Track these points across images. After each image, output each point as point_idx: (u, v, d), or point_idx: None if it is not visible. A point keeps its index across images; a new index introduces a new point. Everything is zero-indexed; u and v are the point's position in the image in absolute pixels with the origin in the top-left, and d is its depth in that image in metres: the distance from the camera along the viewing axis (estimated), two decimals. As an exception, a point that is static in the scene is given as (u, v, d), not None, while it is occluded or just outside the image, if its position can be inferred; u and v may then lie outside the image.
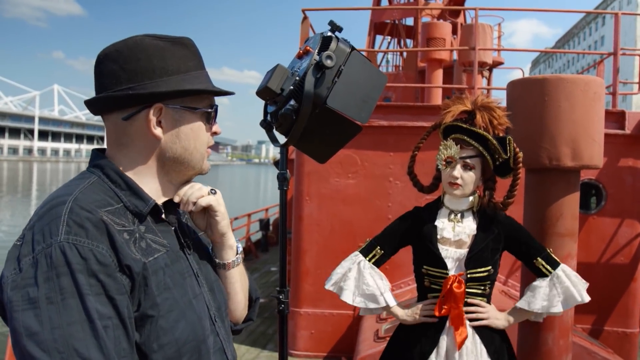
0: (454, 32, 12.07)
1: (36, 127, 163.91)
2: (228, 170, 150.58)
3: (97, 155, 1.33)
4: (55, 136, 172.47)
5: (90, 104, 1.29)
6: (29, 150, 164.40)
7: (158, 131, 1.28)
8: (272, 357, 6.04)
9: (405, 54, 14.75)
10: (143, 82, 1.24)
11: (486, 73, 9.65)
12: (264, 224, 14.33)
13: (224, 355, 1.39)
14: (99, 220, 1.13)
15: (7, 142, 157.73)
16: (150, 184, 1.31)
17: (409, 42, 15.98)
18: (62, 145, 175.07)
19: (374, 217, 5.71)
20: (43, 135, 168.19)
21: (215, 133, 1.42)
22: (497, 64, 12.19)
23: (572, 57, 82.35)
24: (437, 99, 8.95)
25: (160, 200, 1.35)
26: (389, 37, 16.44)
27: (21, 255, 1.09)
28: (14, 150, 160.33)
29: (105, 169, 1.28)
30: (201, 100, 1.34)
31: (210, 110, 1.36)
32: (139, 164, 1.30)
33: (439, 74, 9.14)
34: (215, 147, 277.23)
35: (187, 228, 1.45)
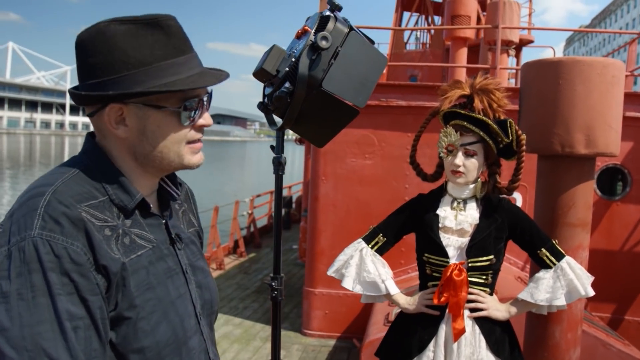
0: (483, 9, 11.78)
1: (67, 101, 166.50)
2: (255, 146, 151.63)
3: (89, 141, 1.26)
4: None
5: (71, 97, 1.24)
6: (61, 125, 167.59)
7: (120, 131, 1.19)
8: (286, 336, 6.06)
9: (432, 31, 14.49)
10: (102, 78, 1.16)
11: (512, 52, 9.39)
12: (286, 202, 14.37)
13: (207, 355, 1.36)
14: (77, 216, 1.08)
15: (40, 116, 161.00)
16: (133, 176, 1.25)
17: (437, 19, 15.70)
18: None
19: (390, 199, 5.63)
20: (74, 109, 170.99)
21: (202, 126, 1.28)
22: (526, 42, 11.89)
23: (608, 35, 79.99)
24: (460, 78, 8.77)
25: (149, 191, 1.29)
26: (417, 14, 16.16)
27: None
28: (46, 125, 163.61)
29: (94, 157, 1.22)
30: (170, 96, 1.19)
31: (178, 109, 1.20)
32: (118, 157, 1.24)
33: (463, 53, 8.93)
34: (243, 123, 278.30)
35: (178, 222, 1.40)
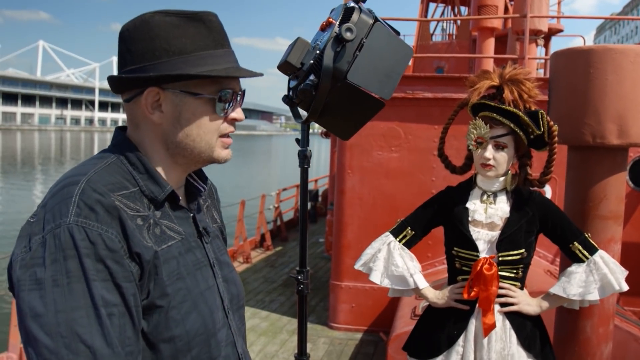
0: (511, -2, 11.58)
1: (97, 98, 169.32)
2: (282, 140, 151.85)
3: (118, 134, 1.30)
4: (115, 107, 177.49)
5: (109, 83, 1.28)
6: (90, 121, 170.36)
7: (155, 116, 1.22)
8: (313, 329, 6.07)
9: (459, 22, 14.31)
10: (143, 64, 1.19)
11: (541, 41, 9.20)
12: (312, 195, 14.37)
13: (234, 348, 1.36)
14: (111, 204, 1.10)
15: (69, 113, 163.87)
16: (163, 167, 1.27)
17: (464, 9, 15.49)
18: (121, 116, 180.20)
19: (416, 192, 5.59)
20: (103, 106, 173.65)
21: (235, 120, 1.30)
22: (555, 31, 11.66)
23: (640, 23, 77.84)
24: (488, 69, 8.63)
25: (177, 185, 1.31)
26: (443, 5, 15.97)
27: (32, 234, 1.07)
28: (76, 121, 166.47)
29: (125, 150, 1.24)
30: (207, 85, 1.22)
31: (214, 97, 1.23)
32: (150, 146, 1.26)
33: (490, 43, 8.78)
34: (270, 117, 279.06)
35: (204, 217, 1.41)
